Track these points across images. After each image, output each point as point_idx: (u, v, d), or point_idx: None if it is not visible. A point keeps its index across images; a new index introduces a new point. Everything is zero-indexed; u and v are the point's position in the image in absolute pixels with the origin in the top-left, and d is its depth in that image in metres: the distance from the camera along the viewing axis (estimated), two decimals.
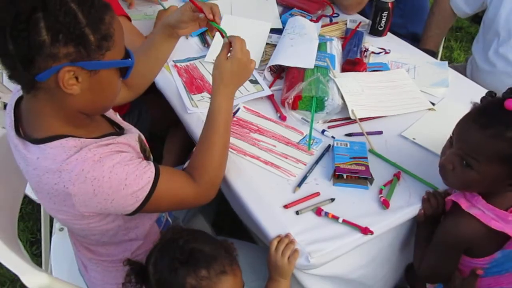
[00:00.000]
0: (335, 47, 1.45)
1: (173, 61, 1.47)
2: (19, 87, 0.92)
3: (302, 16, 1.64)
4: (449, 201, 0.97)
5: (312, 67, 1.32)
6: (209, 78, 1.40)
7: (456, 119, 1.27)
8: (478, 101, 0.93)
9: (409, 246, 1.10)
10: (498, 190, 0.91)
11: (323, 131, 1.21)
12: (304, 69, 1.33)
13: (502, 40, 1.55)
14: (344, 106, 1.27)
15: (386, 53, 1.53)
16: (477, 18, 3.27)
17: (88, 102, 0.83)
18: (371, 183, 1.06)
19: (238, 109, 1.27)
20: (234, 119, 1.24)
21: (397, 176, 1.08)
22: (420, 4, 2.01)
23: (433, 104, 1.32)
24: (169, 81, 1.40)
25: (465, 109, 1.30)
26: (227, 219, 1.74)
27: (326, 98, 1.23)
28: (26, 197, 1.34)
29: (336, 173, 1.05)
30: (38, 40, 0.71)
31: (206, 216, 1.51)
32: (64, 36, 0.72)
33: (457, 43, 3.22)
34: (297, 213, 0.99)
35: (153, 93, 1.42)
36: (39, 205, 2.03)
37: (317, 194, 1.03)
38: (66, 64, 0.75)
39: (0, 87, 1.46)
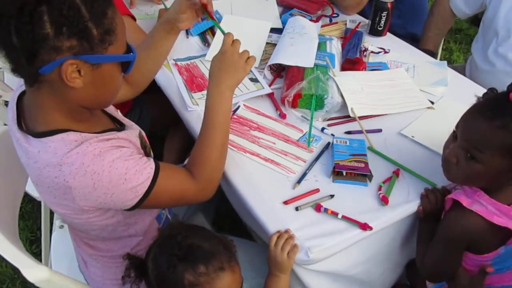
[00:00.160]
0: (335, 47, 1.46)
1: (174, 59, 1.47)
2: (21, 83, 0.93)
3: (302, 16, 1.65)
4: (449, 200, 0.96)
5: (312, 66, 1.33)
6: None
7: (455, 118, 1.28)
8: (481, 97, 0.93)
9: (410, 243, 1.10)
10: (502, 184, 0.90)
11: (322, 129, 1.21)
12: (304, 68, 1.33)
13: (501, 39, 1.56)
14: (344, 104, 1.27)
15: (386, 52, 1.54)
16: (476, 20, 3.29)
17: (90, 96, 0.84)
18: (370, 180, 1.07)
19: (238, 107, 1.27)
20: (234, 116, 1.24)
21: (396, 173, 1.08)
22: (419, 5, 2.02)
23: (432, 103, 1.33)
24: (170, 80, 1.41)
25: (464, 108, 1.31)
26: (227, 218, 1.75)
27: (325, 96, 1.24)
28: (26, 196, 1.35)
29: (336, 170, 1.06)
30: (42, 33, 0.72)
31: (206, 214, 1.51)
32: (67, 29, 0.73)
33: (456, 44, 3.24)
34: (296, 209, 1.00)
35: (154, 93, 1.42)
36: (39, 204, 2.04)
37: (317, 190, 1.04)
38: (69, 57, 0.76)
39: (1, 85, 1.47)
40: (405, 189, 1.06)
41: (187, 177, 0.99)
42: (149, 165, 0.90)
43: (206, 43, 1.58)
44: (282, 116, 1.25)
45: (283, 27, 1.57)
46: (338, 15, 1.75)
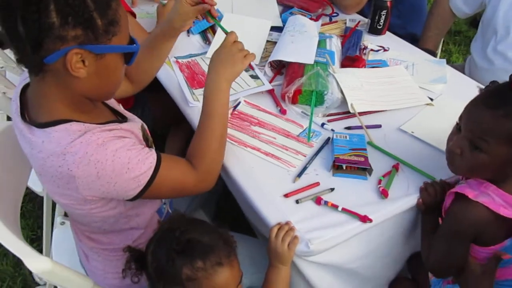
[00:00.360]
0: (335, 44, 1.47)
1: (175, 57, 1.49)
2: (25, 76, 0.94)
3: (302, 15, 1.67)
4: (451, 194, 0.96)
5: (312, 62, 1.34)
6: None
7: (454, 114, 1.29)
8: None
9: (411, 238, 1.11)
10: (507, 175, 0.89)
11: (322, 124, 1.22)
12: (304, 65, 1.35)
13: (500, 37, 1.57)
14: (344, 100, 1.28)
15: (385, 50, 1.55)
16: (475, 22, 3.31)
17: (93, 86, 0.85)
18: (370, 174, 1.07)
19: (239, 102, 1.28)
20: (235, 112, 1.25)
21: (395, 168, 1.09)
22: (418, 5, 2.03)
23: (431, 99, 1.34)
24: (171, 76, 1.42)
25: (463, 104, 1.32)
26: (228, 216, 1.75)
27: (325, 92, 1.25)
28: (26, 195, 1.36)
29: (336, 163, 1.07)
30: (48, 22, 0.73)
31: (207, 211, 1.52)
32: (73, 19, 0.74)
33: (455, 46, 3.25)
34: (297, 202, 1.00)
35: (156, 92, 1.44)
36: (39, 203, 2.05)
37: (317, 184, 1.05)
38: (74, 47, 0.77)
39: (5, 82, 1.48)
40: (404, 183, 1.06)
41: (187, 168, 1.00)
42: (151, 155, 0.91)
43: (207, 41, 1.60)
44: (283, 112, 1.26)
45: (284, 25, 1.59)
46: (338, 14, 1.76)
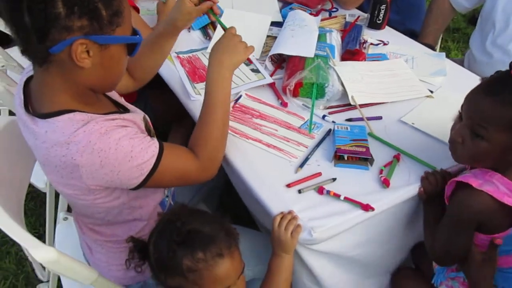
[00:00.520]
0: (335, 38, 1.48)
1: (176, 52, 1.50)
2: (28, 69, 0.95)
3: (302, 10, 1.68)
4: (452, 183, 0.96)
5: (312, 56, 1.35)
6: None
7: (454, 106, 1.30)
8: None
9: (412, 228, 1.12)
10: (510, 163, 0.90)
11: (323, 116, 1.23)
12: (304, 58, 1.36)
13: (499, 30, 1.59)
14: (344, 93, 1.29)
15: (385, 44, 1.56)
16: (473, 19, 3.33)
17: (97, 77, 0.86)
18: (371, 164, 1.08)
19: (240, 96, 1.29)
20: (237, 105, 1.26)
21: (396, 158, 1.10)
22: (416, 1, 2.04)
23: (431, 92, 1.35)
24: (172, 71, 1.43)
25: (463, 96, 1.33)
26: (231, 212, 1.75)
27: (326, 85, 1.26)
28: (28, 193, 1.36)
29: (337, 154, 1.08)
30: (54, 12, 0.74)
31: (210, 205, 1.53)
32: (78, 9, 0.76)
33: (454, 43, 3.27)
34: (299, 191, 1.01)
35: (158, 88, 1.45)
36: (41, 201, 2.05)
37: (319, 174, 1.06)
38: (80, 37, 0.78)
39: (7, 80, 1.49)
40: (405, 172, 1.07)
41: (190, 156, 1.01)
42: (154, 143, 0.92)
43: (207, 36, 1.61)
44: (284, 104, 1.27)
45: (284, 20, 1.60)
46: (337, 9, 1.78)
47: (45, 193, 2.04)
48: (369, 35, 1.62)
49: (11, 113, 1.96)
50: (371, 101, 1.28)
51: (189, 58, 1.48)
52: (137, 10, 1.55)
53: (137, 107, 1.67)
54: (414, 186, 1.04)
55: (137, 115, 1.00)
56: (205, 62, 1.46)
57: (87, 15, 0.77)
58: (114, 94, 1.06)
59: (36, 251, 0.86)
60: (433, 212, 1.04)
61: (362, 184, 1.04)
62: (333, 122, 1.21)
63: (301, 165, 1.08)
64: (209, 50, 1.49)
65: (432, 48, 1.82)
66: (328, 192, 1.00)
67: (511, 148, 0.87)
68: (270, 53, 1.41)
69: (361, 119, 1.22)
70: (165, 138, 1.95)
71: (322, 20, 1.66)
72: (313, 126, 1.20)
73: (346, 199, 0.98)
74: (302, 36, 1.43)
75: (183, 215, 0.87)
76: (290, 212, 0.96)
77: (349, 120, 1.23)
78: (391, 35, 1.67)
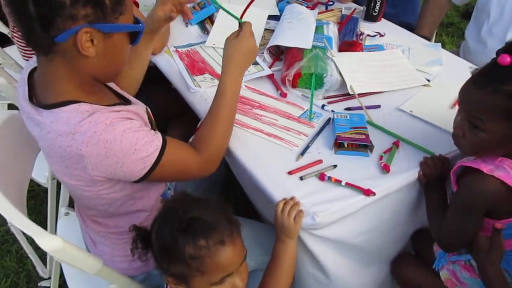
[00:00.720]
0: (332, 30, 1.49)
1: (174, 46, 1.51)
2: (31, 62, 0.95)
3: (299, 3, 1.69)
4: (457, 169, 0.97)
5: (310, 47, 1.36)
6: (210, 61, 1.44)
7: (451, 94, 1.32)
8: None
9: (413, 216, 1.13)
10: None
11: (323, 106, 1.25)
12: (302, 50, 1.37)
13: (494, 20, 1.61)
14: (343, 83, 1.31)
15: (381, 36, 1.58)
16: (467, 14, 3.36)
17: (101, 66, 0.87)
18: (371, 151, 1.09)
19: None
20: None
21: (396, 144, 1.11)
22: None
23: (428, 80, 1.36)
24: (171, 65, 1.44)
25: (460, 84, 1.35)
26: (234, 207, 1.76)
27: (325, 75, 1.27)
28: (28, 192, 1.37)
29: (338, 141, 1.09)
30: (59, 2, 0.75)
31: (212, 197, 1.53)
32: None
33: (448, 37, 3.30)
34: (301, 178, 1.02)
35: (159, 85, 1.45)
36: (41, 200, 2.05)
37: (320, 161, 1.07)
38: (84, 25, 0.79)
39: (8, 78, 1.49)
40: (405, 158, 1.09)
41: (192, 152, 1.01)
42: (157, 137, 0.93)
43: (205, 31, 1.62)
44: (283, 95, 1.28)
45: (281, 14, 1.61)
46: (333, 3, 1.79)
47: (44, 192, 2.05)
48: (366, 27, 1.64)
49: (9, 107, 1.97)
50: (370, 90, 1.29)
51: (187, 52, 1.49)
52: (136, 4, 1.56)
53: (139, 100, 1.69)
54: (413, 171, 1.05)
55: (140, 107, 1.01)
56: (204, 55, 1.47)
57: (91, 4, 0.78)
58: (115, 86, 1.07)
59: (42, 240, 0.86)
60: (436, 198, 1.05)
61: (362, 170, 1.05)
62: (332, 111, 1.22)
63: (302, 153, 1.09)
64: (207, 43, 1.51)
65: (428, 40, 1.83)
66: (330, 178, 1.01)
67: (509, 135, 0.87)
68: (268, 45, 1.42)
69: (360, 108, 1.24)
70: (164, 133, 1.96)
71: (318, 13, 1.67)
72: (312, 115, 1.21)
73: (348, 185, 1.00)
74: (300, 28, 1.44)
75: (185, 203, 0.87)
76: (292, 198, 0.97)
77: (348, 109, 1.24)
78: (387, 26, 1.69)
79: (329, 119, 1.20)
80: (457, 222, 0.96)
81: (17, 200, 1.07)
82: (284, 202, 0.96)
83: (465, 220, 0.95)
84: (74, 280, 1.28)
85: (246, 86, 1.31)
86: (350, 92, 1.27)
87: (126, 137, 0.86)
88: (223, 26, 1.55)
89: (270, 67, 1.40)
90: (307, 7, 1.67)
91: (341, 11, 1.74)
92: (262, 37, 1.54)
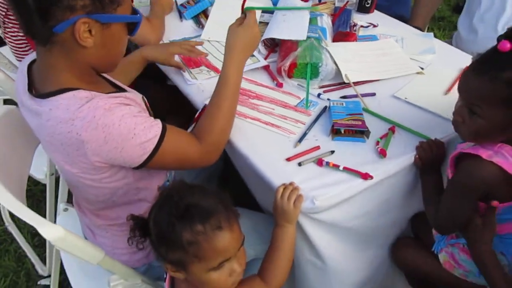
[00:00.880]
0: (326, 22, 1.51)
1: (170, 40, 1.51)
2: (30, 57, 0.96)
3: None
4: (455, 154, 0.97)
5: (305, 38, 1.37)
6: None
7: (444, 80, 1.34)
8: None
9: (410, 201, 1.15)
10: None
11: (318, 95, 1.26)
12: (297, 40, 1.38)
13: (485, 8, 1.64)
14: (338, 72, 1.32)
15: (374, 26, 1.60)
16: (458, 8, 3.39)
17: (99, 56, 0.88)
18: (367, 137, 1.11)
19: None
20: None
21: (392, 130, 1.13)
22: None
23: (422, 68, 1.38)
24: None
25: (452, 72, 1.37)
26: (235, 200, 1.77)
27: (320, 64, 1.29)
28: (25, 192, 1.37)
29: (334, 128, 1.10)
30: None
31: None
32: None
33: (440, 31, 3.33)
34: (299, 164, 1.03)
35: (156, 82, 1.46)
36: (38, 200, 2.05)
37: (317, 148, 1.08)
38: (82, 16, 0.80)
39: (5, 74, 1.49)
40: (401, 143, 1.10)
41: (193, 140, 1.02)
42: (157, 124, 0.93)
43: (200, 25, 1.63)
44: (279, 85, 1.30)
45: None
46: None
47: (41, 192, 2.05)
48: (359, 19, 1.66)
49: (5, 101, 1.97)
50: (364, 78, 1.31)
51: None
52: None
53: None
54: (409, 155, 1.07)
55: (137, 95, 1.01)
56: (199, 48, 1.48)
57: None
58: (111, 77, 1.08)
59: (44, 229, 0.87)
60: (432, 181, 1.07)
61: (359, 156, 1.06)
62: (328, 99, 1.23)
63: (300, 140, 1.10)
64: (203, 37, 1.52)
65: (421, 30, 1.85)
66: (328, 163, 1.02)
67: (509, 122, 0.87)
68: (263, 38, 1.44)
69: (355, 96, 1.25)
70: None
71: (312, 6, 1.68)
72: (309, 104, 1.22)
73: (345, 169, 1.01)
74: (294, 20, 1.45)
75: (182, 190, 0.87)
76: (291, 183, 0.98)
77: (344, 97, 1.26)
78: (380, 18, 1.71)
79: (325, 107, 1.21)
80: (453, 205, 0.98)
81: (17, 193, 1.07)
82: (283, 187, 0.97)
83: (461, 204, 0.96)
84: (75, 275, 1.28)
85: (242, 77, 1.32)
86: (345, 81, 1.29)
87: (125, 122, 0.87)
88: (218, 20, 1.56)
89: (265, 59, 1.41)
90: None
91: (334, 4, 1.75)
92: None
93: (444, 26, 3.40)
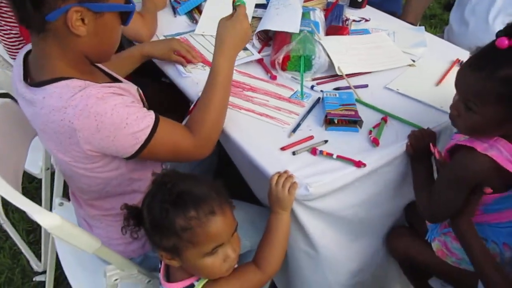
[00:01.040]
0: (318, 16, 1.53)
1: (164, 35, 1.52)
2: (27, 48, 0.97)
3: None
4: (454, 141, 0.98)
5: (297, 31, 1.39)
6: (201, 49, 1.46)
7: (435, 72, 1.36)
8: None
9: (403, 190, 1.16)
10: (509, 132, 0.90)
11: (312, 87, 1.27)
12: (291, 34, 1.39)
13: (477, 0, 1.66)
14: (331, 65, 1.34)
15: (366, 21, 1.62)
16: (449, 6, 3.43)
17: (92, 45, 0.89)
18: (360, 126, 1.12)
19: None
20: None
21: (384, 120, 1.15)
22: None
23: (413, 61, 1.40)
24: None
25: (444, 64, 1.39)
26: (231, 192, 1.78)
27: (313, 57, 1.30)
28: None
29: (328, 118, 1.12)
30: None
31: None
32: None
33: (431, 29, 3.36)
34: (293, 153, 1.05)
35: (154, 80, 1.46)
36: (32, 197, 2.04)
37: (311, 137, 1.09)
38: (74, 5, 0.81)
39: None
40: (393, 133, 1.12)
41: (185, 133, 1.03)
42: (150, 115, 0.94)
43: (194, 20, 1.64)
44: (273, 78, 1.31)
45: (268, 2, 1.64)
46: None
47: (36, 189, 2.05)
48: (351, 14, 1.68)
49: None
50: (357, 70, 1.33)
51: None
52: None
53: None
54: (402, 143, 1.09)
55: (132, 86, 1.02)
56: (193, 43, 1.49)
57: None
58: (106, 68, 1.08)
59: (40, 217, 0.87)
60: (424, 171, 1.08)
61: (352, 145, 1.08)
62: (322, 91, 1.25)
63: (294, 130, 1.11)
64: (196, 31, 1.53)
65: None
66: (321, 152, 1.04)
67: (503, 119, 0.87)
68: (257, 30, 1.45)
69: (348, 87, 1.27)
70: None
71: (304, 1, 1.70)
72: (303, 95, 1.24)
73: (339, 157, 1.02)
74: (287, 13, 1.47)
75: (174, 177, 0.88)
76: (286, 171, 0.99)
77: (337, 89, 1.27)
78: (372, 13, 1.73)
79: (319, 98, 1.23)
80: (446, 195, 0.98)
81: (13, 183, 1.08)
82: (278, 175, 0.98)
83: (453, 194, 0.97)
84: (71, 267, 1.29)
85: (236, 70, 1.33)
86: (338, 73, 1.31)
87: (117, 111, 0.87)
88: (212, 15, 1.57)
89: (259, 52, 1.43)
90: None
91: None
92: (250, 25, 1.55)
93: (435, 24, 3.43)
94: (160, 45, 1.37)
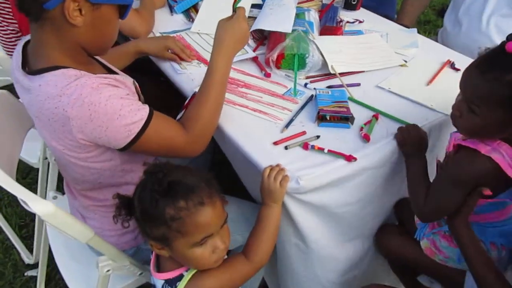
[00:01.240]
0: (313, 17, 1.55)
1: (160, 32, 1.54)
2: (25, 38, 0.98)
3: None
4: (455, 140, 0.99)
5: (290, 31, 1.40)
6: (196, 47, 1.48)
7: (427, 72, 1.39)
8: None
9: (393, 186, 1.18)
10: (509, 136, 0.90)
11: (305, 85, 1.30)
12: (285, 34, 1.41)
13: (470, 1, 1.69)
14: (324, 64, 1.36)
15: (360, 22, 1.65)
16: (443, 12, 3.47)
17: (89, 37, 0.91)
18: (352, 123, 1.15)
19: None
20: None
21: (375, 117, 1.17)
22: None
23: (406, 61, 1.43)
24: None
25: (435, 65, 1.42)
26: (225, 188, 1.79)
27: (307, 55, 1.32)
28: None
29: (320, 114, 1.14)
30: None
31: None
32: None
33: (426, 34, 3.40)
34: (285, 148, 1.07)
35: (154, 79, 1.48)
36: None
37: (304, 133, 1.11)
38: None
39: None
40: (384, 129, 1.14)
41: (179, 128, 1.03)
42: (144, 108, 0.95)
43: (190, 19, 1.66)
44: (267, 75, 1.33)
45: (263, 2, 1.66)
46: None
47: (29, 184, 2.05)
48: (345, 15, 1.70)
49: None
50: (350, 69, 1.35)
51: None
52: None
53: None
54: (392, 139, 1.11)
55: (128, 79, 1.04)
56: (189, 41, 1.51)
57: None
58: (104, 60, 1.10)
59: (35, 204, 0.89)
60: (420, 168, 1.08)
61: (344, 140, 1.10)
62: (315, 89, 1.27)
63: (287, 125, 1.13)
64: (193, 29, 1.55)
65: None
66: (313, 146, 1.06)
67: (505, 123, 0.88)
68: (251, 29, 1.47)
69: (341, 86, 1.29)
70: None
71: (299, 2, 1.73)
72: (296, 93, 1.26)
73: (330, 152, 1.04)
74: (281, 13, 1.49)
75: (165, 168, 0.88)
76: (278, 165, 1.01)
77: (330, 87, 1.29)
78: (366, 15, 1.76)
79: (312, 95, 1.25)
80: (444, 194, 0.98)
81: (8, 171, 1.08)
82: (270, 168, 1.00)
83: (451, 194, 0.97)
84: (63, 258, 1.30)
85: (231, 67, 1.35)
86: (331, 72, 1.33)
87: (111, 102, 0.88)
88: (208, 14, 1.59)
89: (254, 51, 1.45)
90: None
91: (321, 0, 1.80)
92: None
93: (429, 30, 3.48)
94: (154, 43, 1.39)
